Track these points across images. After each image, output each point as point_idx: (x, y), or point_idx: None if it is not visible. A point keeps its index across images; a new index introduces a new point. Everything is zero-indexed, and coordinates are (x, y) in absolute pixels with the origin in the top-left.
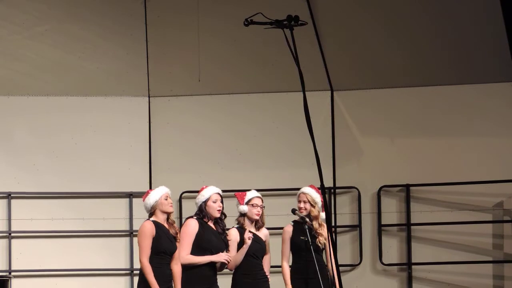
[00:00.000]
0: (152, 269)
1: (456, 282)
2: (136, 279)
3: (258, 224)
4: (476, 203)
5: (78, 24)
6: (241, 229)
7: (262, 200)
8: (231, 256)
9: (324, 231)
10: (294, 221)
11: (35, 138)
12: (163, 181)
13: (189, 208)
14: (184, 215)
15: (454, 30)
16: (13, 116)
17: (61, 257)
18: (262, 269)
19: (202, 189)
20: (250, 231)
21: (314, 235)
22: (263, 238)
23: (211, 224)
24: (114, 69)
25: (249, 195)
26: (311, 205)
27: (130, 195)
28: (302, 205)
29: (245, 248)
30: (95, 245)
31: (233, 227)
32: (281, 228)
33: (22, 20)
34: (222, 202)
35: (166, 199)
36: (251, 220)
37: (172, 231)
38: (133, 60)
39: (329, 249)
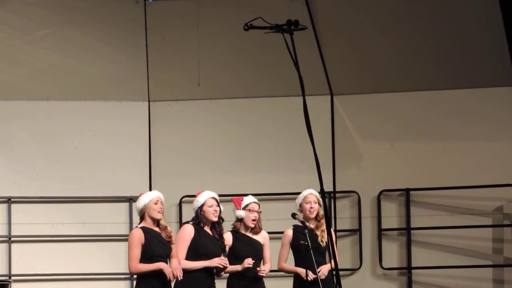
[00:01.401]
0: (150, 275)
1: (456, 286)
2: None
3: (255, 230)
4: (476, 207)
5: (78, 29)
6: (236, 233)
7: (259, 206)
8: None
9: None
10: (295, 225)
11: (35, 142)
12: (163, 185)
13: (189, 212)
14: (184, 220)
15: (454, 34)
16: (13, 121)
17: (61, 262)
18: (257, 271)
19: (198, 194)
20: (253, 260)
21: (316, 234)
22: (261, 241)
23: (207, 229)
24: (114, 73)
25: (246, 200)
26: (319, 204)
27: (130, 200)
28: (312, 205)
29: (237, 268)
30: (94, 249)
31: (228, 230)
32: (281, 233)
33: (22, 25)
34: (219, 206)
35: (156, 204)
36: (247, 227)
37: (164, 235)
38: (133, 65)
39: (330, 253)
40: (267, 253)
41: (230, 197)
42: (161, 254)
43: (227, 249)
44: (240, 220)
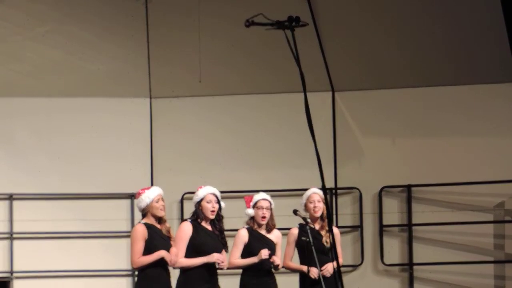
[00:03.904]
0: (149, 271)
1: (457, 282)
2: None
3: (268, 226)
4: (477, 203)
5: (79, 25)
6: (251, 230)
7: (270, 202)
8: (236, 254)
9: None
10: (300, 224)
11: (37, 139)
12: (164, 182)
13: (191, 209)
14: (186, 216)
15: (455, 30)
16: (14, 118)
17: (62, 258)
18: (270, 270)
19: (198, 189)
20: (269, 251)
21: (320, 233)
22: (274, 240)
23: (206, 225)
24: (115, 70)
25: (255, 198)
26: (323, 203)
27: (131, 196)
28: (316, 204)
29: (254, 260)
30: (96, 246)
31: (243, 227)
32: (282, 229)
33: (23, 21)
34: (219, 203)
35: (158, 202)
36: (259, 224)
37: (164, 230)
38: (134, 61)
39: (332, 249)
40: (278, 251)
41: (231, 194)
42: (163, 249)
43: (242, 246)
44: (252, 218)
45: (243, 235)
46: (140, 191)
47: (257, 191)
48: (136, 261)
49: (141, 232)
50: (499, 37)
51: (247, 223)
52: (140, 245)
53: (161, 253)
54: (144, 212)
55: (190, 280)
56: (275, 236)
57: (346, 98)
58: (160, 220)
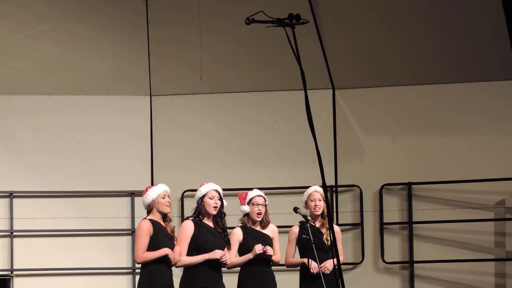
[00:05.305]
0: (152, 267)
1: (458, 280)
2: (138, 278)
3: (263, 223)
4: (478, 201)
5: (79, 23)
6: (245, 228)
7: (264, 199)
8: (232, 253)
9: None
10: (301, 222)
11: (37, 137)
12: (164, 179)
13: (191, 206)
14: (186, 214)
15: (456, 28)
16: (15, 115)
17: (63, 256)
18: (269, 267)
19: (201, 185)
20: (263, 246)
21: (321, 231)
22: (270, 235)
23: (209, 222)
24: (115, 67)
25: (250, 194)
26: (324, 201)
27: (131, 194)
28: (317, 202)
29: (249, 256)
30: (96, 244)
31: (237, 226)
32: (282, 226)
33: (23, 19)
34: (221, 200)
35: (164, 198)
36: (254, 221)
37: (168, 229)
38: (135, 59)
39: (332, 248)
40: (276, 245)
41: (231, 191)
42: (166, 247)
43: (237, 245)
44: (246, 215)
45: (237, 234)
46: (147, 188)
47: (258, 189)
48: (140, 256)
49: (147, 228)
50: (499, 34)
51: (241, 221)
52: (145, 240)
53: (165, 251)
54: (150, 208)
55: (193, 278)
56: (270, 230)
57: (347, 96)
58: (165, 217)
